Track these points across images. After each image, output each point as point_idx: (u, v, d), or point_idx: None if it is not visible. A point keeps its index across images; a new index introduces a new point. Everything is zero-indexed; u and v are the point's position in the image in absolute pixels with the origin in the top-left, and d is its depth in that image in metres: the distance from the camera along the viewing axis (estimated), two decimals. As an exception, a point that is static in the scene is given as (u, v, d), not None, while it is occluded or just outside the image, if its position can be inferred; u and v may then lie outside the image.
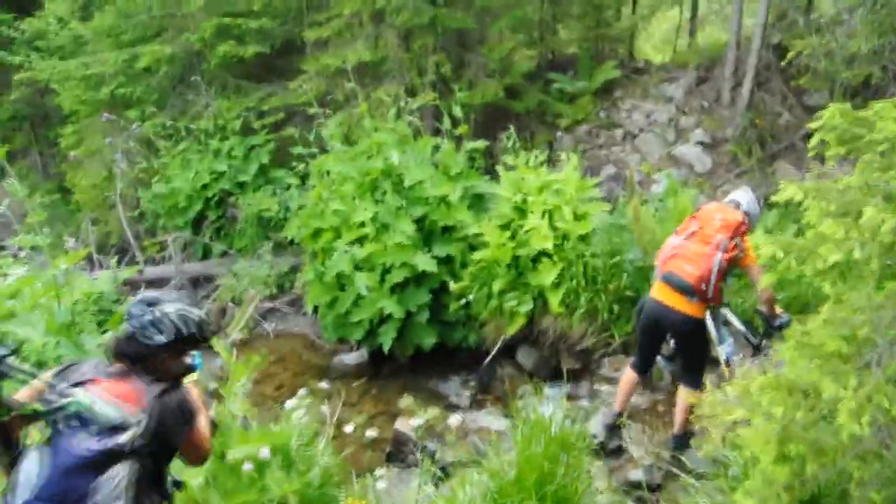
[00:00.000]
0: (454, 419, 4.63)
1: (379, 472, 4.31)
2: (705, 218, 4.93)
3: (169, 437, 2.44)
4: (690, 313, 4.79)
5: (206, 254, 10.28)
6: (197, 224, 10.32)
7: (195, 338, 2.55)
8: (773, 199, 2.71)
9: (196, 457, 2.68)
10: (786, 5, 11.38)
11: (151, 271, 9.87)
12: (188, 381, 2.68)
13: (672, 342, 5.42)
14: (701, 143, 10.14)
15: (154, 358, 2.48)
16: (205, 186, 10.04)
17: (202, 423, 2.62)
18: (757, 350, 5.36)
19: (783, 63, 10.51)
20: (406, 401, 5.69)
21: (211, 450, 2.71)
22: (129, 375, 2.44)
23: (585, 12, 11.79)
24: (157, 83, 11.10)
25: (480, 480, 3.83)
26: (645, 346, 5.27)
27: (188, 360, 2.62)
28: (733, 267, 4.88)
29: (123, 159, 10.58)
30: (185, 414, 2.51)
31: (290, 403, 4.28)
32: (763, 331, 5.34)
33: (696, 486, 4.43)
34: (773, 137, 9.91)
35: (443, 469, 4.77)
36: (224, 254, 9.89)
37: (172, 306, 2.49)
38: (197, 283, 9.60)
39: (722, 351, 5.33)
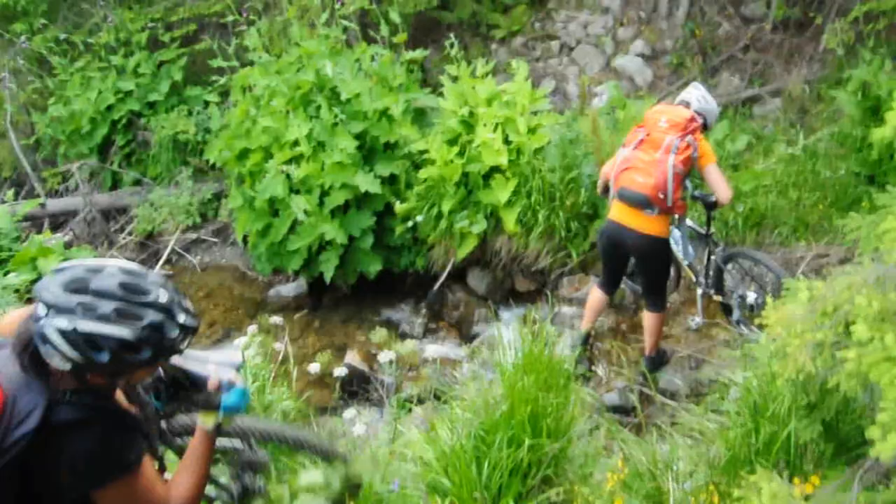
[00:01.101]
0: (431, 350, 4.20)
1: (348, 413, 3.88)
2: (650, 122, 4.52)
3: (65, 487, 1.68)
4: (651, 232, 4.47)
5: (115, 183, 9.31)
6: (103, 150, 9.29)
7: (131, 363, 1.68)
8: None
9: None
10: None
11: (55, 204, 8.91)
12: None
13: (633, 262, 5.12)
14: (641, 54, 9.79)
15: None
16: (110, 108, 8.99)
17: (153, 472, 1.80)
18: (707, 239, 5.10)
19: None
20: (379, 334, 5.20)
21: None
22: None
23: (517, -85, 11.08)
24: (44, -9, 9.84)
25: (462, 417, 3.46)
26: (610, 268, 4.99)
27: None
28: (690, 169, 4.54)
29: (12, 79, 9.41)
30: (110, 458, 1.67)
31: (239, 342, 3.75)
32: (706, 218, 5.03)
33: (677, 407, 4.22)
34: (713, 49, 9.66)
35: (409, 403, 4.40)
36: (137, 182, 8.98)
37: (86, 325, 1.59)
38: (109, 215, 8.72)
39: (685, 260, 5.09)
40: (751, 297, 4.94)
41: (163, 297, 1.68)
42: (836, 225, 6.30)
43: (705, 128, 4.68)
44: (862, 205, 6.43)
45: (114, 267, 1.68)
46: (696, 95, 4.70)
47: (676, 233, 4.91)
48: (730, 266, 5.15)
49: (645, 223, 4.45)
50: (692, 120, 4.46)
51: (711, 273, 5.16)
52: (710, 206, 4.80)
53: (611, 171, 4.63)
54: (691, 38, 9.76)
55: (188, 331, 1.73)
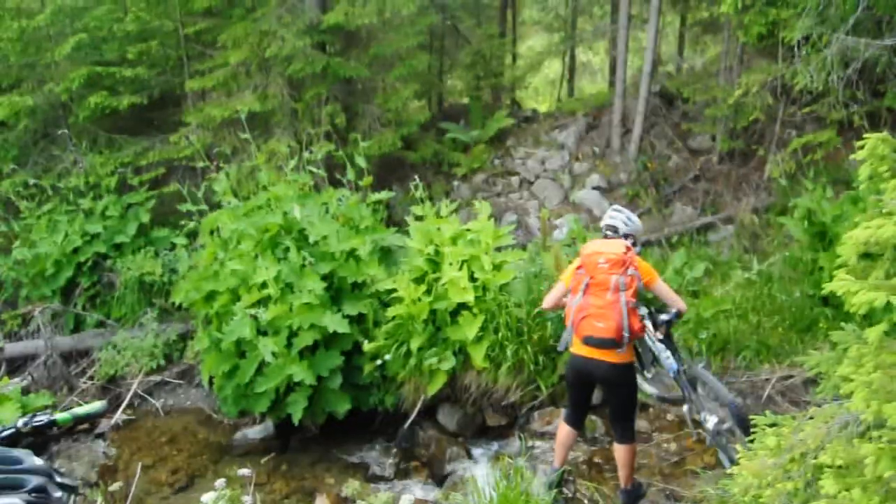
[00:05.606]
0: (405, 500, 4.10)
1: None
2: (590, 265, 4.50)
3: None
4: (619, 360, 4.53)
5: (78, 325, 9.18)
6: (67, 292, 9.23)
7: None
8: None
9: None
10: (663, 54, 11.87)
11: (13, 348, 8.72)
12: None
13: (603, 392, 5.12)
14: (597, 187, 10.23)
15: None
16: (76, 250, 9.01)
17: None
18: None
19: (669, 108, 10.90)
20: (351, 486, 5.05)
21: None
22: None
23: (474, 62, 11.84)
24: (15, 137, 10.04)
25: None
26: (576, 401, 4.96)
27: None
28: (641, 296, 4.63)
29: (-24, 223, 9.44)
30: None
31: (206, 497, 3.64)
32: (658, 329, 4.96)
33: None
34: (665, 180, 10.15)
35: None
36: (100, 324, 8.87)
37: None
38: (70, 358, 8.53)
39: (671, 372, 5.03)
40: (711, 421, 4.89)
41: (37, 461, 1.69)
42: (796, 347, 6.46)
43: (634, 244, 4.81)
44: (819, 326, 6.62)
45: None
46: (621, 219, 4.87)
47: (659, 347, 4.91)
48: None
49: (612, 355, 4.51)
50: (628, 250, 4.51)
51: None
52: (662, 322, 4.82)
53: (567, 316, 4.67)
54: (644, 171, 10.26)
55: (70, 489, 1.73)
